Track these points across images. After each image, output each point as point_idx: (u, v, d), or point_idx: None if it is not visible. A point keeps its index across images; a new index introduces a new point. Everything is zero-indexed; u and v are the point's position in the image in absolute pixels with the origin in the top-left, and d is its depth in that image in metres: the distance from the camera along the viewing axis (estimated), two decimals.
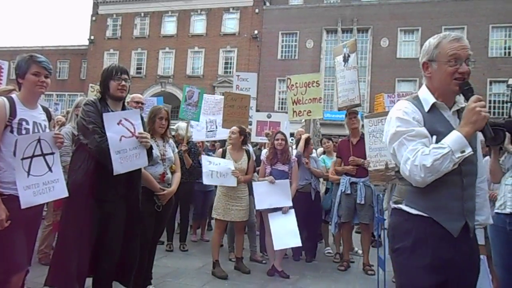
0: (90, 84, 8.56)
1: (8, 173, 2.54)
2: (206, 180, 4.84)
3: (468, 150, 1.77)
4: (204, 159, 4.91)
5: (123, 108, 3.23)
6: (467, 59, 1.91)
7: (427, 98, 2.00)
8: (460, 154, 1.77)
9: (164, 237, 5.75)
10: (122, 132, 2.97)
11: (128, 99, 5.37)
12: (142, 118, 3.27)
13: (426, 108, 1.97)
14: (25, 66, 2.66)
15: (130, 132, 3.01)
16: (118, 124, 2.97)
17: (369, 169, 4.89)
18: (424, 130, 1.89)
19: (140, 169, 3.25)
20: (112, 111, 3.08)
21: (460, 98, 2.00)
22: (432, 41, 1.99)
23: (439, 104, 1.97)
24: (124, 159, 2.94)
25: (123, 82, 3.08)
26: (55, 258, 3.03)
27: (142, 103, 5.36)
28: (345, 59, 5.98)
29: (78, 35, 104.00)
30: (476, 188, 2.00)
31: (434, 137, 1.87)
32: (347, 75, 5.92)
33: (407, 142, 1.88)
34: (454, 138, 1.79)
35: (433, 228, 1.90)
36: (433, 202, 1.91)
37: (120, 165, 2.90)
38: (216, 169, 4.80)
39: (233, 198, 4.92)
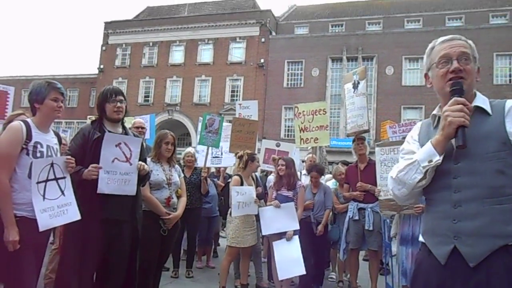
0: (88, 116, 8.72)
1: (22, 195, 2.58)
2: (235, 212, 4.78)
3: (436, 159, 1.62)
4: (234, 190, 4.82)
5: (124, 129, 3.26)
6: (460, 56, 1.70)
7: (434, 112, 1.82)
8: (427, 163, 1.64)
9: (170, 263, 5.69)
10: (117, 155, 3.00)
11: (129, 124, 5.46)
12: (142, 146, 3.31)
13: (434, 123, 1.81)
14: (45, 92, 2.75)
15: (126, 157, 3.04)
16: (116, 146, 3.01)
17: (379, 198, 4.80)
18: (413, 146, 1.81)
19: (140, 192, 3.25)
20: (110, 131, 3.10)
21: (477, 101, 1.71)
22: (426, 50, 1.86)
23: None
24: (112, 180, 2.95)
25: (119, 104, 3.12)
26: (57, 283, 3.00)
27: (143, 128, 5.43)
28: (355, 86, 6.03)
29: (88, 64, 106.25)
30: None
31: None
32: (356, 102, 5.96)
33: (400, 160, 1.84)
34: (423, 148, 1.69)
35: (426, 255, 1.71)
36: (425, 224, 1.78)
37: (106, 185, 2.91)
38: (242, 199, 4.76)
39: (249, 224, 4.94)
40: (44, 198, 2.60)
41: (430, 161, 1.63)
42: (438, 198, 1.68)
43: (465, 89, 1.66)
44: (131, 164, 3.06)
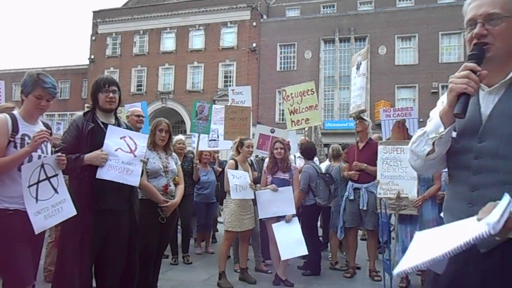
0: (86, 105, 8.67)
1: (14, 187, 2.56)
2: (233, 195, 4.75)
3: (440, 130, 1.48)
4: (229, 173, 4.80)
5: (116, 120, 3.23)
6: (485, 18, 1.45)
7: None
8: (434, 135, 1.51)
9: (169, 251, 5.75)
10: (121, 146, 3.00)
11: (128, 113, 5.42)
12: None
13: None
14: (30, 87, 2.67)
15: (130, 149, 3.04)
16: (120, 138, 3.02)
17: (378, 196, 4.81)
18: (435, 112, 1.61)
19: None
20: (102, 122, 3.09)
21: None
22: (463, 9, 1.60)
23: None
24: (113, 168, 2.93)
25: (111, 94, 3.08)
26: (56, 275, 3.00)
27: (143, 116, 5.40)
28: (358, 67, 6.05)
29: (79, 55, 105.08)
30: None
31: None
32: (357, 82, 5.98)
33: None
34: (435, 118, 1.54)
35: None
36: (446, 201, 1.66)
37: (105, 172, 2.90)
38: (239, 183, 4.76)
39: (245, 208, 4.93)
40: (37, 200, 2.58)
41: (438, 132, 1.50)
42: (458, 178, 1.56)
43: (491, 56, 1.45)
44: (135, 156, 3.05)
